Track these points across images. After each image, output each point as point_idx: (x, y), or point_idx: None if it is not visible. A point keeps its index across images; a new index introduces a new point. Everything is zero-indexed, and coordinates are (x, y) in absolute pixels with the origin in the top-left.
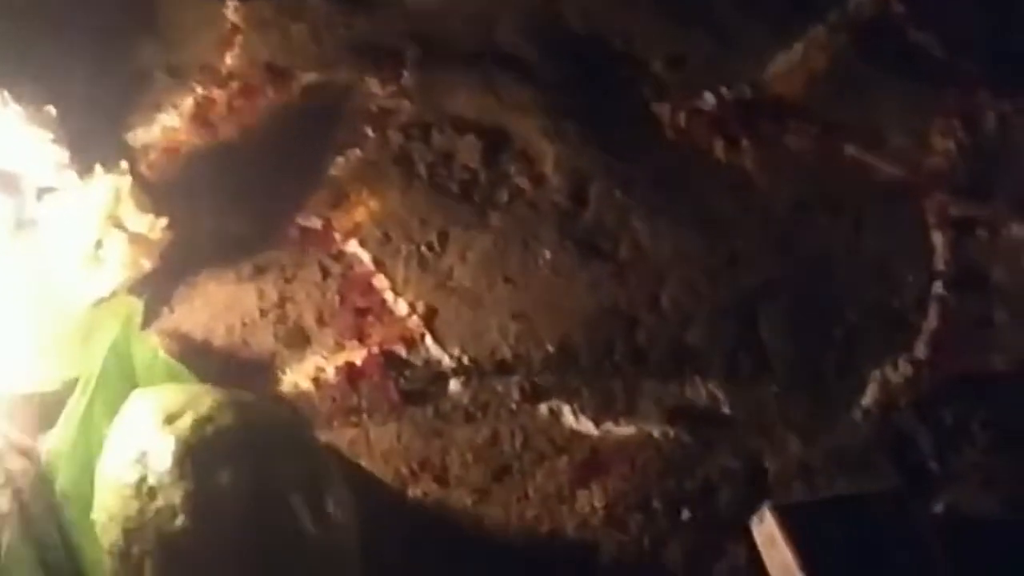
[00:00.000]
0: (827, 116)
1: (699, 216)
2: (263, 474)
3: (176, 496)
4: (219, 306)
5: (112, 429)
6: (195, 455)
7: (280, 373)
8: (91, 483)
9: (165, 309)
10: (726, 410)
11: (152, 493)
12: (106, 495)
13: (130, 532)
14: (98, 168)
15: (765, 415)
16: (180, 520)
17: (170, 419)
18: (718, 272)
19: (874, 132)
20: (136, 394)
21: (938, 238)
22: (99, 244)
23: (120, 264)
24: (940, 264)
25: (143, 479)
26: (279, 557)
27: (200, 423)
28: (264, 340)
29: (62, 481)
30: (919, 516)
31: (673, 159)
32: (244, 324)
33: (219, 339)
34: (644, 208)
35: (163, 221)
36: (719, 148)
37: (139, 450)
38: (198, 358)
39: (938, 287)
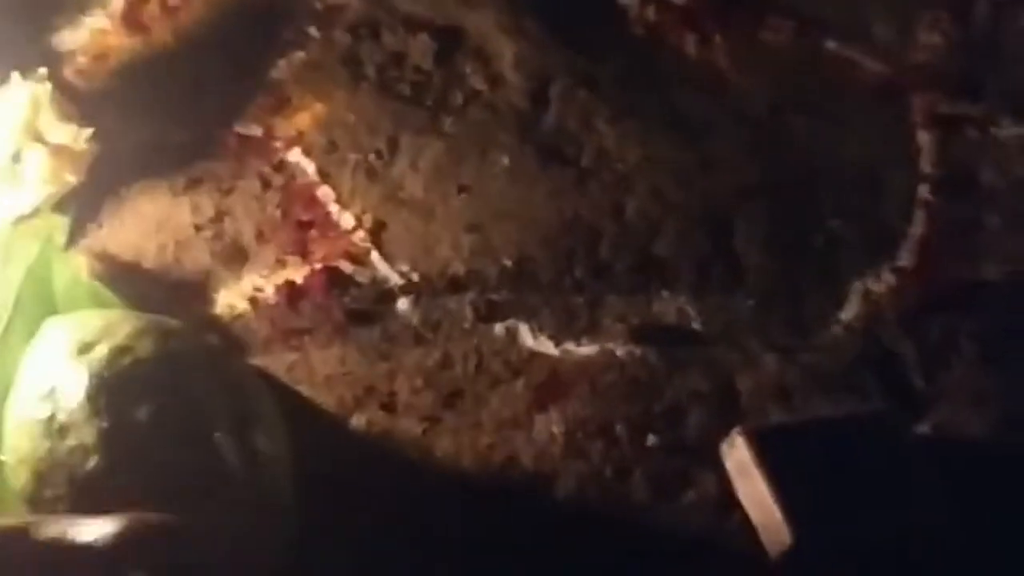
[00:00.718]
0: (806, 9)
1: (668, 118)
2: (185, 410)
3: (89, 435)
4: (150, 222)
5: (24, 361)
6: (110, 389)
7: (215, 294)
8: (3, 416)
9: (92, 226)
10: (696, 326)
11: (63, 431)
12: (15, 434)
13: (41, 474)
14: (15, 75)
15: (738, 331)
16: (94, 460)
17: (83, 349)
18: (689, 178)
19: (857, 26)
20: (50, 322)
21: (924, 139)
22: (16, 157)
23: (41, 179)
24: (927, 166)
25: (53, 416)
26: (202, 498)
27: (116, 353)
28: (199, 258)
29: None
30: (904, 438)
31: (641, 57)
32: (177, 242)
33: (150, 259)
34: (609, 110)
35: (88, 131)
36: (691, 44)
37: (49, 384)
38: (127, 280)
39: (924, 191)
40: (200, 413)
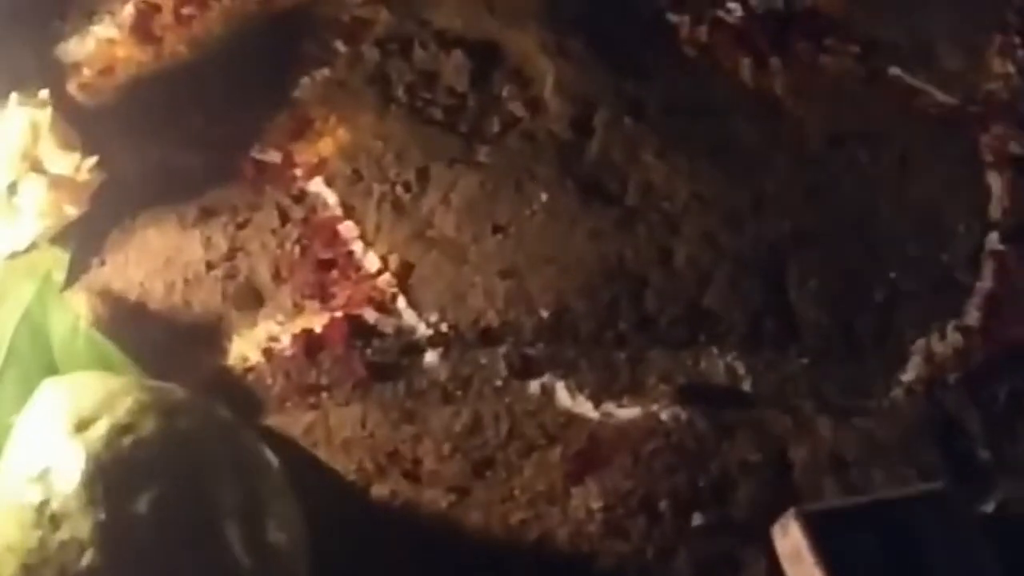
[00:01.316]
0: (869, 33)
1: (720, 151)
2: (190, 499)
3: (84, 527)
4: (158, 258)
5: (14, 430)
6: (108, 476)
7: (227, 341)
8: None
9: (94, 261)
10: (746, 387)
11: (56, 521)
12: (4, 519)
13: (30, 568)
14: (13, 96)
15: (791, 393)
16: (88, 556)
17: (81, 425)
18: (740, 220)
19: (923, 52)
20: (46, 385)
21: (995, 180)
22: (13, 188)
23: (39, 212)
24: (996, 212)
25: (46, 503)
26: None
27: (116, 433)
28: (210, 300)
29: None
30: (968, 519)
31: (692, 81)
32: (187, 280)
33: (157, 299)
34: (657, 140)
35: (91, 161)
36: (745, 69)
37: (42, 464)
38: (131, 324)
39: (994, 240)
40: (207, 503)
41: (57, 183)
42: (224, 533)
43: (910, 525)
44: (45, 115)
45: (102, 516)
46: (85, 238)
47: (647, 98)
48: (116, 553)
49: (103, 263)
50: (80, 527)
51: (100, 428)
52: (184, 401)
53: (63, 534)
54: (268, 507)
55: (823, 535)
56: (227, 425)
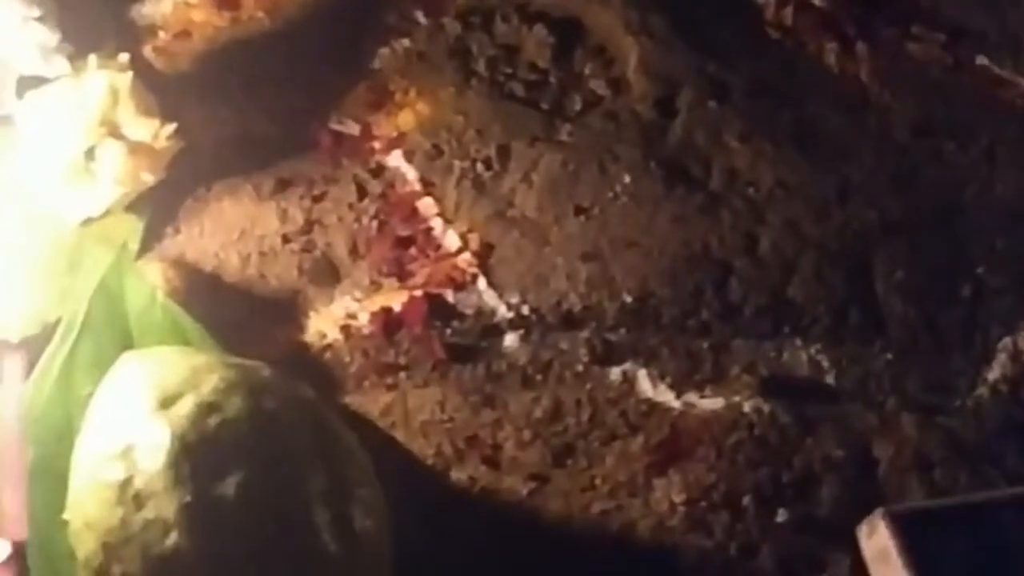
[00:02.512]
0: (956, 21)
1: (805, 137)
2: (277, 482)
3: (169, 507)
4: (233, 229)
5: (94, 403)
6: (194, 456)
7: (303, 317)
8: (68, 457)
9: (168, 231)
10: (829, 380)
11: (139, 500)
12: (83, 495)
13: (110, 547)
14: (92, 59)
15: (874, 388)
16: (173, 538)
17: (165, 402)
18: (826, 209)
19: (1011, 42)
20: (126, 358)
21: None
22: (90, 153)
23: (116, 178)
24: None
25: (128, 481)
26: None
27: (202, 411)
28: (286, 274)
29: (33, 453)
30: None
31: (776, 65)
32: (262, 253)
33: (231, 271)
34: (741, 124)
35: (170, 128)
36: (831, 54)
37: (125, 441)
38: (206, 296)
39: None
40: (294, 487)
41: (135, 149)
42: (312, 518)
43: (1001, 529)
44: (125, 79)
45: (188, 497)
46: (159, 206)
47: (731, 81)
48: (202, 535)
49: (177, 232)
50: (165, 507)
51: (185, 406)
52: (269, 380)
53: (147, 513)
54: (354, 493)
55: (911, 536)
56: (313, 407)
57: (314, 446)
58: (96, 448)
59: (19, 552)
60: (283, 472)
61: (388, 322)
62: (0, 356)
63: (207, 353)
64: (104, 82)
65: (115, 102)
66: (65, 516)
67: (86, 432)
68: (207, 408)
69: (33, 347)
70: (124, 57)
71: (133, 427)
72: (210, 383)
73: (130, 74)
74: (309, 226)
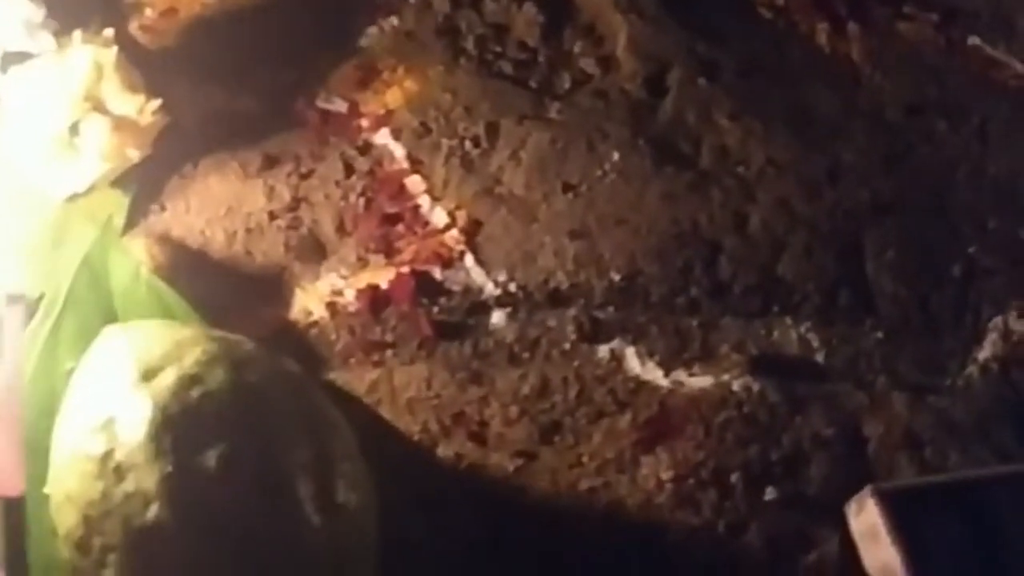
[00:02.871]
0: (948, 1)
1: (795, 116)
2: (258, 454)
3: (150, 479)
4: (219, 205)
5: (76, 376)
6: (175, 427)
7: (289, 294)
8: (52, 432)
9: (154, 207)
10: (819, 359)
11: (120, 472)
12: (63, 467)
13: (91, 519)
14: (77, 34)
15: (865, 367)
16: (154, 510)
17: (147, 375)
18: (817, 188)
19: (1003, 21)
20: (108, 332)
21: None
22: (75, 129)
23: (100, 154)
24: None
25: (109, 453)
26: (276, 557)
27: (184, 383)
28: (272, 251)
29: None
30: None
31: (767, 44)
32: (248, 230)
33: (217, 248)
34: (731, 103)
35: (156, 103)
36: (822, 33)
37: (106, 414)
38: (191, 272)
39: None
40: (277, 460)
41: (120, 125)
42: (295, 491)
43: (990, 506)
44: (109, 55)
45: (169, 469)
46: (145, 183)
47: (721, 59)
48: (183, 507)
49: (163, 209)
50: (146, 479)
51: (167, 378)
52: (253, 354)
53: (128, 486)
54: (338, 466)
55: (900, 514)
56: (296, 380)
57: (297, 419)
58: (78, 421)
59: (13, 507)
60: (265, 444)
61: (375, 299)
62: None
63: (189, 327)
64: (88, 57)
65: (99, 77)
66: (46, 490)
67: (68, 406)
68: (189, 380)
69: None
70: (109, 32)
71: (115, 400)
72: (192, 356)
73: (115, 49)
74: (296, 203)
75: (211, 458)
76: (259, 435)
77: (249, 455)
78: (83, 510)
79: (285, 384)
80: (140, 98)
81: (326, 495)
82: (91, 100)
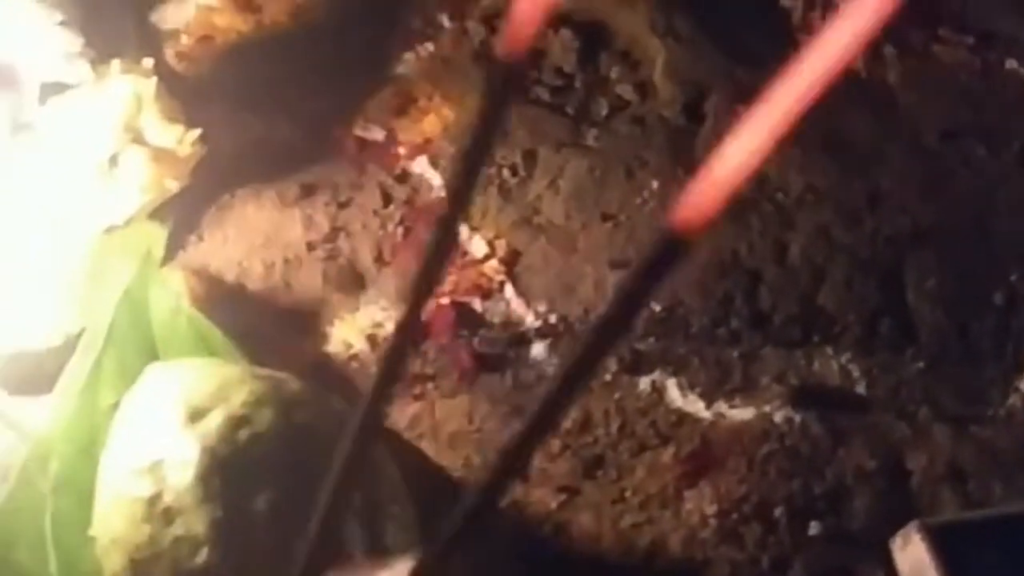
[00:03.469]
0: (984, 24)
1: (834, 141)
2: (309, 500)
3: (199, 523)
4: (257, 236)
5: (120, 416)
6: (224, 471)
7: (328, 326)
8: (93, 471)
9: (191, 239)
10: (860, 390)
11: (168, 516)
12: (110, 509)
13: (138, 563)
14: (115, 64)
15: (906, 398)
16: (203, 554)
17: (194, 416)
18: (856, 215)
19: None
20: (152, 370)
21: None
22: (114, 160)
23: (139, 186)
24: None
25: (157, 496)
26: None
27: (232, 425)
28: (310, 282)
29: (57, 466)
30: None
31: None
32: (287, 260)
33: (256, 280)
34: None
35: (195, 133)
36: (858, 57)
37: (153, 456)
38: (230, 305)
39: None
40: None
41: (159, 156)
42: (345, 536)
43: None
44: (149, 85)
45: (219, 513)
46: (182, 214)
47: (759, 85)
48: (233, 552)
49: (201, 240)
50: (195, 523)
51: (214, 420)
52: (300, 393)
53: (177, 529)
54: (386, 509)
55: (946, 550)
56: (344, 420)
57: (349, 463)
58: (123, 463)
59: None
60: (315, 488)
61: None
62: None
63: (235, 365)
64: (128, 88)
65: (139, 108)
66: (91, 532)
67: (112, 446)
68: (237, 422)
69: (47, 361)
70: (148, 62)
71: (161, 441)
72: (240, 396)
73: (154, 79)
74: (334, 233)
75: (262, 502)
76: (309, 478)
77: (299, 499)
78: (130, 553)
79: (333, 424)
80: (179, 128)
81: (376, 539)
82: (131, 131)
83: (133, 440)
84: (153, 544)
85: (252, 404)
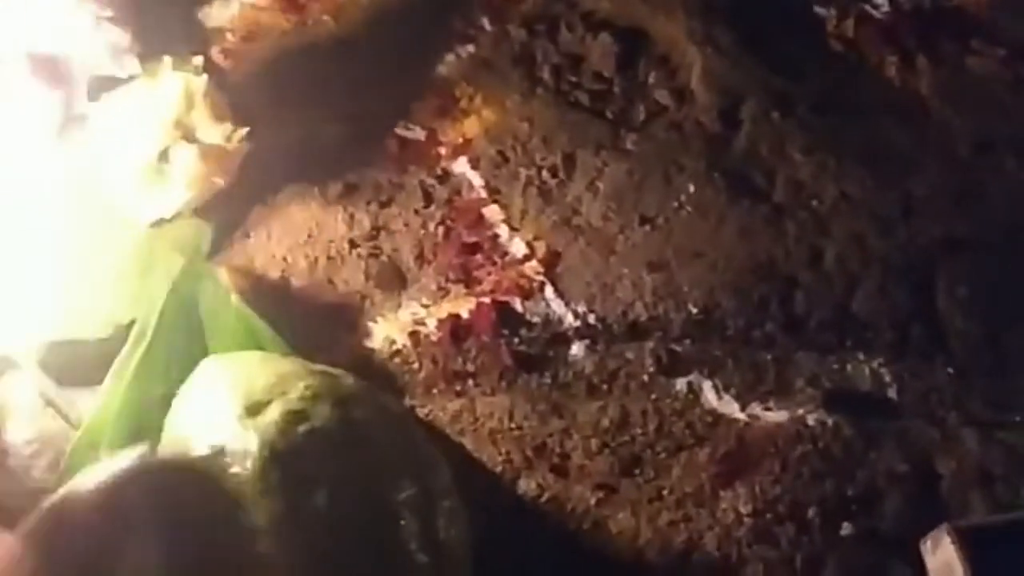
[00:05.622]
0: (1015, 36)
1: (869, 149)
2: (367, 494)
3: (260, 515)
4: (300, 233)
5: (175, 407)
6: (283, 465)
7: (370, 322)
8: None
9: (237, 235)
10: (891, 395)
11: None
12: None
13: None
14: (166, 60)
15: (936, 403)
16: (263, 544)
17: (252, 410)
18: (890, 223)
19: None
20: (208, 364)
21: None
22: (163, 155)
23: (188, 182)
24: None
25: None
26: None
27: (290, 419)
28: (353, 279)
29: (106, 456)
30: None
31: (838, 77)
32: (329, 258)
33: (299, 276)
34: (804, 137)
35: (243, 131)
36: (891, 66)
37: (212, 447)
38: (274, 301)
39: None
40: (383, 498)
41: (207, 153)
42: (401, 530)
43: None
44: (200, 83)
45: (279, 506)
46: (227, 210)
47: (794, 93)
48: (291, 543)
49: (246, 237)
50: (256, 514)
51: (272, 413)
52: (355, 389)
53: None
54: (439, 503)
55: (976, 551)
56: (399, 417)
57: (401, 457)
58: (181, 452)
59: None
60: (372, 483)
61: (456, 329)
62: None
63: (289, 359)
64: (179, 84)
65: (190, 105)
66: None
67: (168, 437)
68: (295, 417)
69: (98, 352)
70: (198, 60)
71: (220, 432)
72: (296, 391)
73: (204, 77)
74: (376, 231)
75: (321, 497)
76: (366, 473)
77: (356, 494)
78: None
79: (388, 421)
80: (227, 126)
81: (430, 533)
82: (181, 127)
83: (190, 430)
84: None
85: (309, 399)
